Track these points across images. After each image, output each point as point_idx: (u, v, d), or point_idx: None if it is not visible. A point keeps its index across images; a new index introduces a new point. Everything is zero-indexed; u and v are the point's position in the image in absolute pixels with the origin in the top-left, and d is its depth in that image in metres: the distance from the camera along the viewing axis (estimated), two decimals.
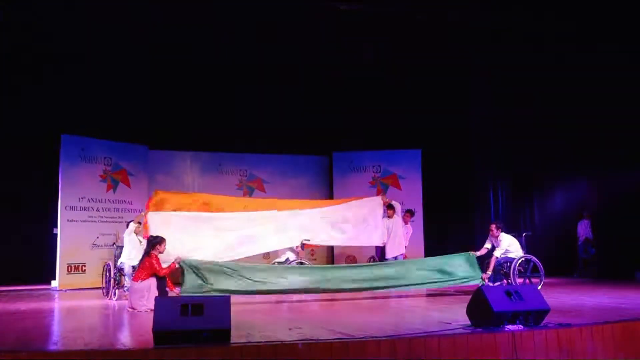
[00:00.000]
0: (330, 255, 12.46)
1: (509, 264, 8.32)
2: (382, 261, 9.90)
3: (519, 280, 8.22)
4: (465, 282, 8.14)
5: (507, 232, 8.65)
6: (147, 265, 6.92)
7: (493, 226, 8.59)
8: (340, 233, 9.16)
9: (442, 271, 8.14)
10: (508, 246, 8.40)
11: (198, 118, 11.83)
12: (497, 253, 8.42)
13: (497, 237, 8.49)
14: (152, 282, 6.84)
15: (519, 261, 8.28)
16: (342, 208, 9.48)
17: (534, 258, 8.38)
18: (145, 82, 11.24)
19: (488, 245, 8.61)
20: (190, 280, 7.21)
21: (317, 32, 10.94)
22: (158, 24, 10.40)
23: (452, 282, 8.17)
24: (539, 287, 7.63)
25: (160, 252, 7.07)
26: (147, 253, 7.02)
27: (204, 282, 7.25)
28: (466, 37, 11.14)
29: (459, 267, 8.18)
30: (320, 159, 13.16)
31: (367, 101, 12.27)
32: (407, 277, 8.07)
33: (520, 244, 8.63)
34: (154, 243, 7.02)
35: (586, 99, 11.07)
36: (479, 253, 8.46)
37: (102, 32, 10.36)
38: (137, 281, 6.86)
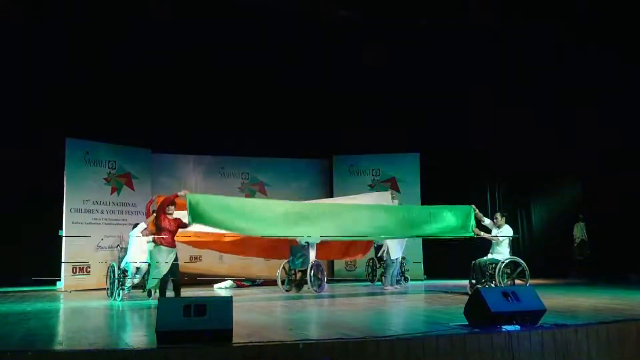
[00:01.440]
0: None
1: (494, 265, 8.38)
2: (381, 262, 10.06)
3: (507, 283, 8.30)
4: (457, 234, 8.82)
5: None
6: (155, 221, 7.48)
7: (498, 214, 8.79)
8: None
9: (436, 220, 8.75)
10: (502, 239, 8.49)
11: (201, 121, 11.89)
12: (495, 232, 8.61)
13: (499, 226, 8.62)
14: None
15: (505, 262, 8.34)
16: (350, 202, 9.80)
17: (519, 260, 8.49)
18: (148, 86, 11.32)
19: (487, 221, 8.84)
20: (193, 212, 7.48)
21: (317, 36, 11.03)
22: (161, 28, 10.49)
23: (447, 234, 8.84)
24: None
25: (169, 213, 7.41)
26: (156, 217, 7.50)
27: (206, 216, 7.64)
28: (465, 41, 11.21)
29: (454, 217, 8.78)
30: (320, 163, 13.22)
31: (367, 105, 12.34)
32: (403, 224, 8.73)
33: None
34: (162, 206, 7.43)
35: (585, 100, 11.16)
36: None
37: (105, 37, 10.47)
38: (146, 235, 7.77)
